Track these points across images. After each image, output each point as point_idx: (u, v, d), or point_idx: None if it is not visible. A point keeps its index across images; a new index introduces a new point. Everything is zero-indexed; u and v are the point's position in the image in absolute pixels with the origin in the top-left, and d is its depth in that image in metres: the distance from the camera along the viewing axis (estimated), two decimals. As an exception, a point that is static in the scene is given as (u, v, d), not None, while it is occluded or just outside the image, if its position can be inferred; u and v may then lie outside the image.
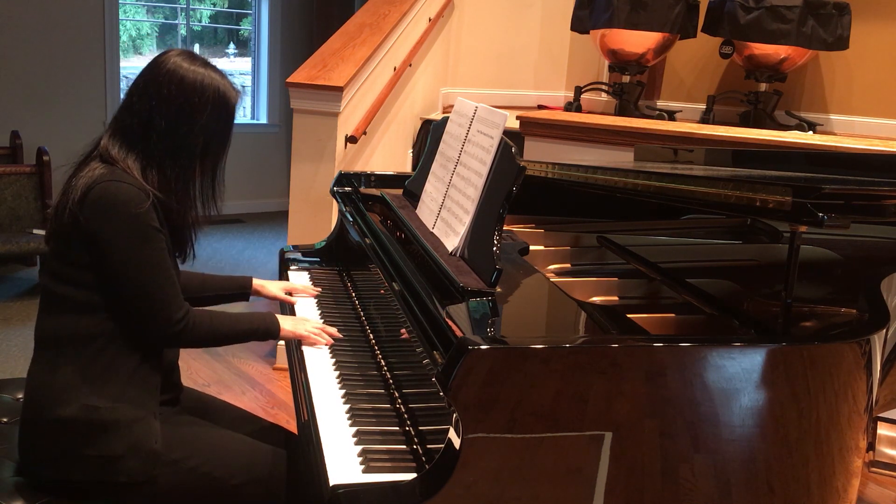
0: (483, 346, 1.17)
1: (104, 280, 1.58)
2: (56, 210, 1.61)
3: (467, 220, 1.69)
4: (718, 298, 1.73)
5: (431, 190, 1.96)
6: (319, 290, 2.19)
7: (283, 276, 2.39)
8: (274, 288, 2.11)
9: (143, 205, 1.56)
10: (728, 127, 3.84)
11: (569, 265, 2.02)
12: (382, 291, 1.90)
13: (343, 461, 1.38)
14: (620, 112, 4.56)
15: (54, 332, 1.62)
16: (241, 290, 2.08)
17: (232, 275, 2.12)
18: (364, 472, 1.35)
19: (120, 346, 1.60)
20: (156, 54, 1.72)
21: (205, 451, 1.66)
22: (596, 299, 1.78)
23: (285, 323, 1.84)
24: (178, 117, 1.62)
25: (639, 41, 4.39)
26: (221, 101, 1.66)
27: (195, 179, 1.69)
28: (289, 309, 2.09)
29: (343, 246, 2.38)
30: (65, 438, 1.57)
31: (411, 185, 2.21)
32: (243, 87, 7.51)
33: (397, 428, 1.51)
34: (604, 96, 4.89)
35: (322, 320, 1.99)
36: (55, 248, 1.63)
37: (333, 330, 1.89)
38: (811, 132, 4.19)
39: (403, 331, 1.65)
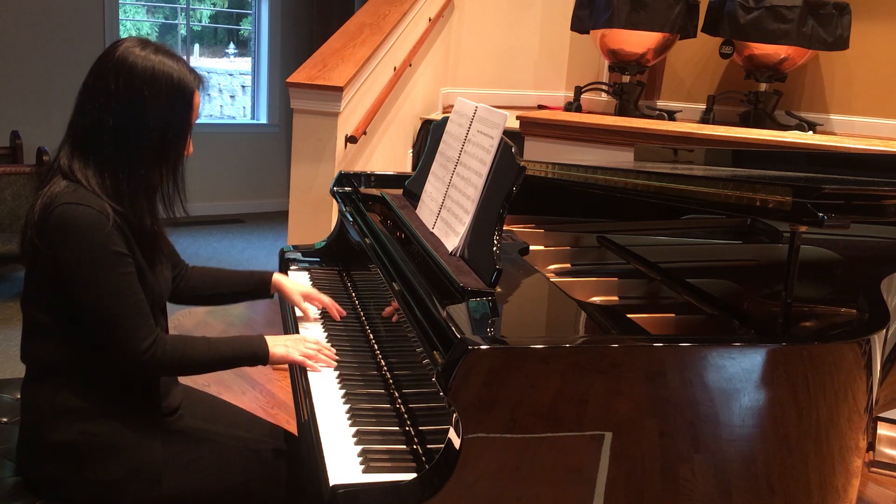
0: (483, 346, 1.17)
1: (69, 306, 1.48)
2: (22, 229, 1.50)
3: (467, 220, 1.69)
4: (718, 298, 1.73)
5: (431, 190, 1.96)
6: (343, 312, 1.97)
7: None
8: (294, 293, 1.93)
9: (102, 229, 1.44)
10: (728, 127, 3.84)
11: (569, 265, 2.02)
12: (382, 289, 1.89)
13: (343, 461, 1.38)
14: (620, 112, 4.56)
15: (38, 359, 1.55)
16: (260, 287, 1.92)
17: (251, 269, 1.96)
18: (364, 472, 1.35)
19: (105, 373, 1.54)
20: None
21: (209, 453, 1.65)
22: (596, 299, 1.78)
23: (276, 347, 1.66)
24: (127, 112, 1.48)
25: (639, 41, 4.39)
26: (176, 88, 1.50)
27: (155, 179, 1.54)
28: (292, 319, 1.98)
29: (343, 246, 2.38)
30: (63, 462, 1.53)
31: (411, 185, 2.21)
32: (243, 87, 7.52)
33: (397, 428, 1.51)
34: (604, 96, 4.89)
35: (325, 333, 1.91)
36: (25, 270, 1.54)
37: (331, 351, 1.75)
38: (811, 132, 4.19)
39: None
